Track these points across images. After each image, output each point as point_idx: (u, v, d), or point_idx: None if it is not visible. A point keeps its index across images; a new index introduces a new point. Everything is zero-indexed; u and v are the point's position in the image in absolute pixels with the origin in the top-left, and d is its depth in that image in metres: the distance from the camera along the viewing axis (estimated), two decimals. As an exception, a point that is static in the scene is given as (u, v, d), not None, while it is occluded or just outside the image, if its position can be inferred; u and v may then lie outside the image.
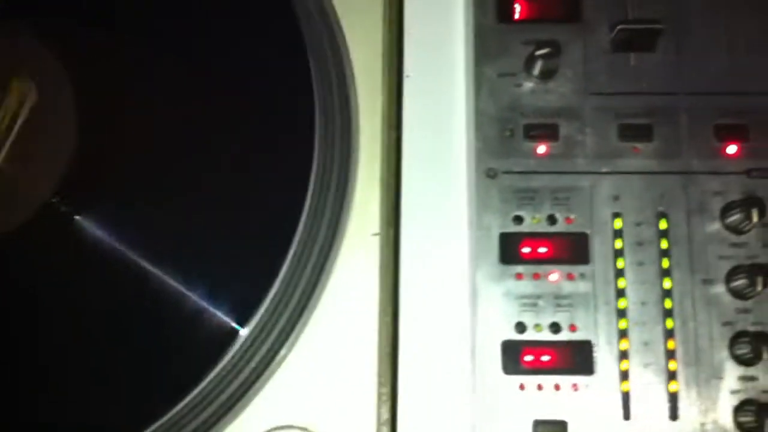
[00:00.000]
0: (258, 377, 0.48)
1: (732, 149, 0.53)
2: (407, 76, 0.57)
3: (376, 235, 0.50)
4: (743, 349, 0.50)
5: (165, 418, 0.46)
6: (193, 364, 0.48)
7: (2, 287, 0.51)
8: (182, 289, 0.49)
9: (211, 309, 0.46)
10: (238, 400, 0.47)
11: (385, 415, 0.51)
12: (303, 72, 0.49)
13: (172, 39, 0.54)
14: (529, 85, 0.55)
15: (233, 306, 0.48)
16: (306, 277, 0.48)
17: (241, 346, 0.47)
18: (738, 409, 0.50)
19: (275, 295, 0.47)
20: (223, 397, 0.47)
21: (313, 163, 0.49)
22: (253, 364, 0.48)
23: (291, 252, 0.48)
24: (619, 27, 0.54)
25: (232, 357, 0.47)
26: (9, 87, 0.50)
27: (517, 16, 0.55)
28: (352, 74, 0.52)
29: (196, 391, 0.46)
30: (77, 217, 0.50)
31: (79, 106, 0.49)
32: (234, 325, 0.47)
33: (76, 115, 0.49)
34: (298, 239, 0.47)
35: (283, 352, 0.48)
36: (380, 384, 0.50)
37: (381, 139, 0.52)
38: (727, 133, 0.53)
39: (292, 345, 0.49)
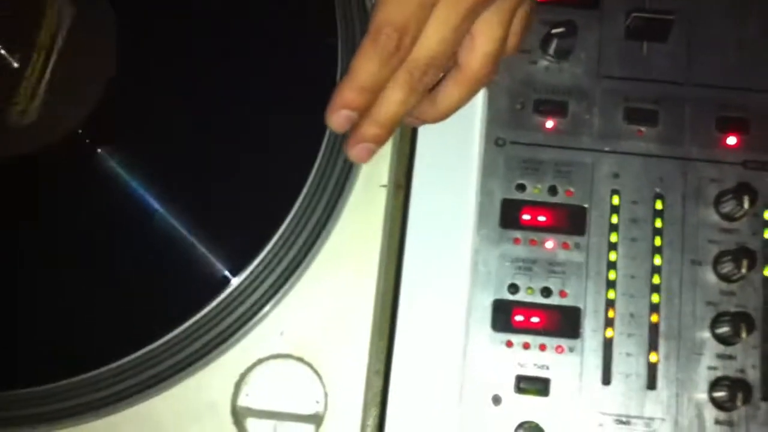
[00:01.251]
0: (260, 309, 0.50)
1: (732, 140, 0.56)
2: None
3: (383, 186, 0.52)
4: (724, 329, 0.52)
5: (166, 338, 0.49)
6: (198, 291, 0.50)
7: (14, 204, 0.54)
8: (190, 229, 0.51)
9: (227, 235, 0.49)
10: (240, 328, 0.50)
11: (378, 365, 0.54)
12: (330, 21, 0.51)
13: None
14: (543, 62, 0.57)
15: (241, 242, 0.51)
16: (315, 218, 0.51)
17: (246, 278, 0.49)
18: (713, 385, 0.52)
19: (284, 231, 0.50)
20: (226, 323, 0.50)
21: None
22: (256, 297, 0.50)
23: (307, 183, 0.51)
24: (633, 15, 0.56)
25: (237, 287, 0.50)
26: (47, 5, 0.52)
27: (539, -3, 0.58)
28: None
29: (200, 315, 0.49)
30: (99, 151, 0.53)
31: (120, 38, 0.52)
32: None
33: (115, 46, 0.52)
34: (310, 181, 0.50)
35: (286, 287, 0.51)
36: (376, 336, 0.53)
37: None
38: (729, 125, 0.56)
39: (294, 284, 0.51)
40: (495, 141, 0.56)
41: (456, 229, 0.56)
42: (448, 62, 0.50)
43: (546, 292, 0.54)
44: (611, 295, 0.54)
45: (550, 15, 0.58)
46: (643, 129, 0.56)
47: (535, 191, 0.55)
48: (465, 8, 0.46)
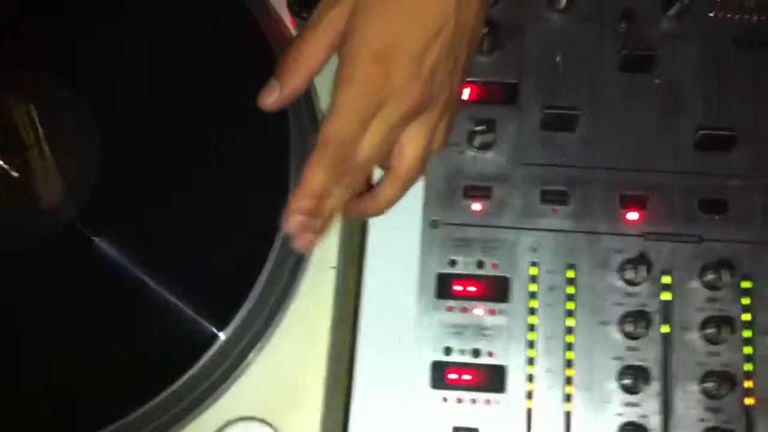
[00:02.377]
0: (228, 378, 0.59)
1: (633, 216, 0.65)
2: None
3: (333, 268, 0.62)
4: (628, 380, 0.61)
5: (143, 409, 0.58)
6: (175, 362, 0.59)
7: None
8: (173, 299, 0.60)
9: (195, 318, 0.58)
10: (210, 394, 0.59)
11: (336, 420, 0.63)
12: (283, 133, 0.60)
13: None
14: (470, 153, 0.67)
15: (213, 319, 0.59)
16: (274, 297, 0.60)
17: (215, 352, 0.58)
18: (621, 429, 0.61)
19: (249, 311, 0.58)
20: (198, 390, 0.58)
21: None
22: (224, 367, 0.59)
23: (267, 268, 0.59)
24: (546, 110, 0.66)
25: (205, 362, 0.58)
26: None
27: (466, 97, 0.68)
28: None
29: (176, 386, 0.57)
30: (95, 239, 0.62)
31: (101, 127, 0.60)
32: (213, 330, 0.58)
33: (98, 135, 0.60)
34: (270, 266, 0.59)
35: (250, 358, 0.60)
36: (332, 396, 0.61)
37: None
38: (630, 202, 0.65)
39: (257, 355, 0.60)
40: (431, 223, 0.65)
41: (403, 299, 0.65)
42: (382, 162, 0.60)
43: (476, 352, 0.63)
44: (532, 353, 0.62)
45: (476, 111, 0.67)
46: (556, 208, 0.65)
47: (465, 265, 0.64)
48: (393, 123, 0.56)
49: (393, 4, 0.55)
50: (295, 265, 0.62)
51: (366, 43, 0.54)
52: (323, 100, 0.64)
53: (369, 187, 0.62)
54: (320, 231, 0.58)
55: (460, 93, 0.62)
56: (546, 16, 0.69)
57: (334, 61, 0.57)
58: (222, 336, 0.58)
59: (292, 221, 0.56)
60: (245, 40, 0.61)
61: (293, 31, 0.66)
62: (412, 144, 0.58)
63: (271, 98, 0.56)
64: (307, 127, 0.62)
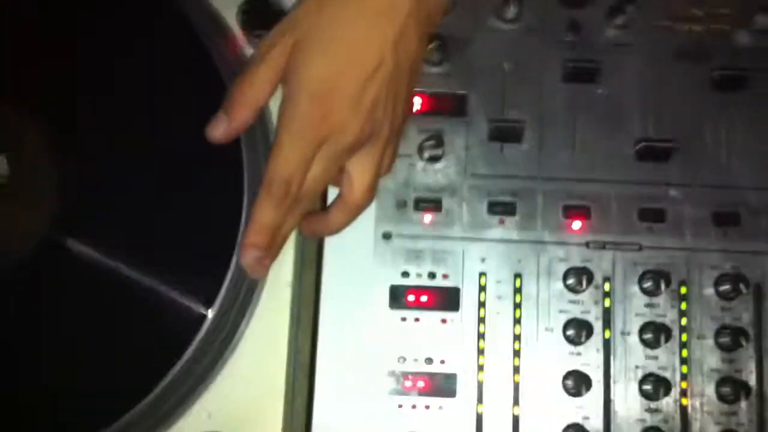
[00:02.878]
0: (191, 394, 0.62)
1: (576, 225, 0.68)
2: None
3: (289, 284, 0.64)
4: (572, 384, 0.65)
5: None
6: (141, 381, 0.61)
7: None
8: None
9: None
10: (175, 410, 0.61)
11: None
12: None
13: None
14: (420, 165, 0.69)
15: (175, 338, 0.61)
16: (233, 315, 0.62)
17: (179, 370, 0.60)
18: (565, 431, 0.64)
19: (206, 331, 0.60)
20: (165, 408, 0.61)
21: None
22: (188, 385, 0.61)
23: (224, 288, 0.61)
24: (492, 122, 0.68)
25: (171, 380, 0.60)
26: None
27: (417, 108, 0.69)
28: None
29: (143, 403, 0.60)
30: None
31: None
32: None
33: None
34: (226, 286, 0.61)
35: (212, 374, 0.62)
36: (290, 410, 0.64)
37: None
38: (573, 212, 0.68)
39: (219, 372, 0.62)
40: (383, 235, 0.67)
41: (359, 310, 0.67)
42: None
43: (428, 360, 0.66)
44: (481, 361, 0.65)
45: (425, 122, 0.69)
46: (504, 219, 0.68)
47: (417, 276, 0.67)
48: (336, 157, 0.58)
49: (331, 44, 0.56)
50: (250, 286, 0.64)
51: (306, 82, 0.56)
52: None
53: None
54: (274, 257, 0.60)
55: (404, 121, 0.64)
56: (494, 27, 0.70)
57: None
58: (210, 314, 0.60)
59: (248, 256, 0.58)
60: (195, 66, 0.62)
61: (248, 48, 0.67)
62: (358, 174, 0.60)
63: (219, 131, 0.58)
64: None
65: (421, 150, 0.68)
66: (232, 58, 0.65)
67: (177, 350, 0.60)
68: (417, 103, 0.69)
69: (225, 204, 0.62)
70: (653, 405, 0.65)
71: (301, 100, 0.56)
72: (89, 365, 0.60)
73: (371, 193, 0.62)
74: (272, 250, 0.59)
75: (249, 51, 0.66)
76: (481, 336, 0.66)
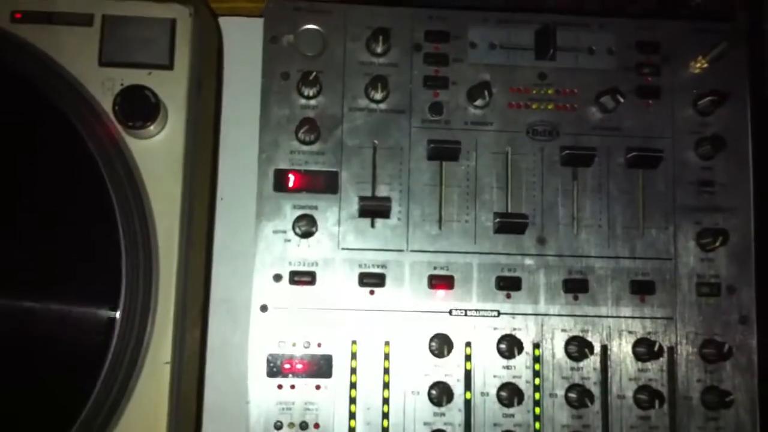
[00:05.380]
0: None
1: (440, 294, 0.73)
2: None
3: (167, 363, 0.67)
4: (436, 442, 0.71)
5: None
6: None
7: None
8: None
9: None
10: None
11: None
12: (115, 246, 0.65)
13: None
14: (295, 240, 0.73)
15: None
16: (113, 396, 0.65)
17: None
18: (430, 486, 0.70)
19: (89, 411, 0.64)
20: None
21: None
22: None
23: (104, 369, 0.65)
24: (362, 202, 0.73)
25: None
26: None
27: (290, 185, 0.74)
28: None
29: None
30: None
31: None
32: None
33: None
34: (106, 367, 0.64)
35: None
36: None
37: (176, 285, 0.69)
38: (437, 282, 0.73)
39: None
40: (260, 308, 0.72)
41: (239, 379, 0.71)
42: None
43: (303, 425, 0.70)
44: (353, 423, 0.71)
45: (299, 199, 0.73)
46: (374, 290, 0.73)
47: (292, 346, 0.72)
48: None
49: None
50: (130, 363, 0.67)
51: None
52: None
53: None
54: None
55: None
56: (363, 107, 0.75)
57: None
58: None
59: None
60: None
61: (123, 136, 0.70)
62: None
63: None
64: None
65: (294, 226, 0.73)
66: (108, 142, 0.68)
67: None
68: (290, 180, 0.73)
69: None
70: (510, 460, 0.71)
71: None
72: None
73: None
74: None
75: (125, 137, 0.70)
76: (353, 400, 0.71)
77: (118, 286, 0.65)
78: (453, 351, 0.72)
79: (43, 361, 0.64)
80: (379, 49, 0.75)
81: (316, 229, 0.73)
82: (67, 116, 0.67)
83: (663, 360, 0.73)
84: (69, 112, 0.67)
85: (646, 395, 0.72)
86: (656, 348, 0.71)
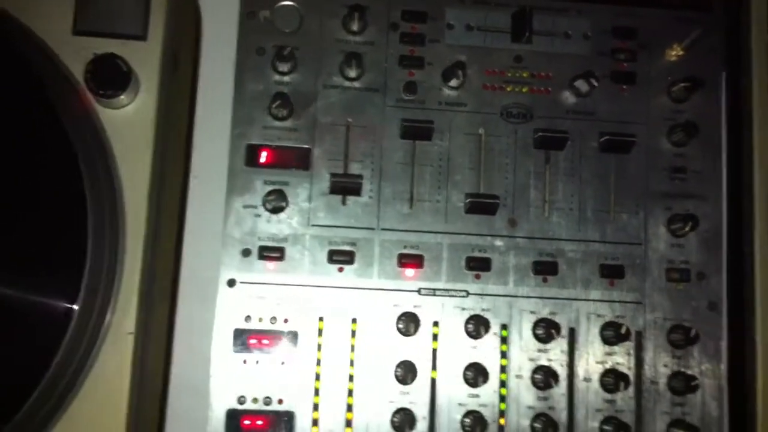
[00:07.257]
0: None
1: (410, 272, 0.73)
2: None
3: (130, 334, 0.67)
4: (398, 421, 0.70)
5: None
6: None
7: None
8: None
9: None
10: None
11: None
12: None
13: None
14: (265, 215, 0.73)
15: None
16: (73, 366, 0.65)
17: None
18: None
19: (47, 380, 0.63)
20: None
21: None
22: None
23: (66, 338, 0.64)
24: (333, 179, 0.73)
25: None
26: None
27: (262, 160, 0.73)
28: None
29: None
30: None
31: None
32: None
33: None
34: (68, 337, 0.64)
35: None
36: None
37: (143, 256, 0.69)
38: (407, 261, 0.73)
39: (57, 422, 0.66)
40: (228, 282, 0.72)
41: (205, 353, 0.71)
42: None
43: (267, 400, 0.70)
44: (317, 400, 0.70)
45: (271, 174, 0.73)
46: (343, 267, 0.73)
47: (259, 321, 0.71)
48: None
49: None
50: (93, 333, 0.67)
51: None
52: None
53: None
54: None
55: None
56: (337, 84, 0.75)
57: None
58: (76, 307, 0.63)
59: None
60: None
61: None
62: None
63: None
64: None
65: (265, 201, 0.72)
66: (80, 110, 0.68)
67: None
68: (263, 156, 0.73)
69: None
70: (474, 440, 0.71)
71: None
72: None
73: None
74: None
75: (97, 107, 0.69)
76: (317, 377, 0.71)
77: (83, 253, 0.65)
78: (420, 330, 0.72)
79: (4, 325, 0.63)
80: (355, 27, 0.75)
81: (287, 205, 0.73)
82: (40, 84, 0.67)
83: (630, 344, 0.73)
84: (42, 79, 0.67)
85: (612, 378, 0.71)
86: (623, 331, 0.71)
